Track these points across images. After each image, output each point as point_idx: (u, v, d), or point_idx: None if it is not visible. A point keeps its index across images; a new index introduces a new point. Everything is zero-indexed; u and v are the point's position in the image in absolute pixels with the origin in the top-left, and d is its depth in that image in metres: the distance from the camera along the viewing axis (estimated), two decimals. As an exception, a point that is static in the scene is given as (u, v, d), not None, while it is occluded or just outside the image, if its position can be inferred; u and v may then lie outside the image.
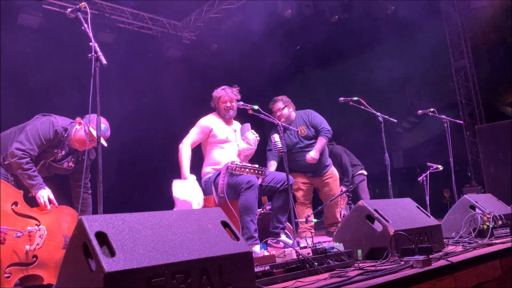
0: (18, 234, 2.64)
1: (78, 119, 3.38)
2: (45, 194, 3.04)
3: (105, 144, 2.80)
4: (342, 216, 5.20)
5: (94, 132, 3.06)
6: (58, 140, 3.25)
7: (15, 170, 3.09)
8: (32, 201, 2.96)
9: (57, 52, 7.95)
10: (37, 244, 2.76)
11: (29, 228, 2.74)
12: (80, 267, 1.60)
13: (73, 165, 3.44)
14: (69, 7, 2.80)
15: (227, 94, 3.98)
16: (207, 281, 1.74)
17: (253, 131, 3.95)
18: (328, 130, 4.81)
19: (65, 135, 3.29)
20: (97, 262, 1.52)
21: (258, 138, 3.94)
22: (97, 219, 1.67)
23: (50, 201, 3.03)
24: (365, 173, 6.34)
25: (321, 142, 4.77)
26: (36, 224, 2.80)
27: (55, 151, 3.29)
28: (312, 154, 4.66)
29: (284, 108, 4.80)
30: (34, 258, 2.74)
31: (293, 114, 4.90)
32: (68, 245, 1.73)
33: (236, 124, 4.14)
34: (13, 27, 7.17)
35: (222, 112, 4.00)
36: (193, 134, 3.90)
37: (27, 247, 2.70)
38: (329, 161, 5.06)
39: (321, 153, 4.83)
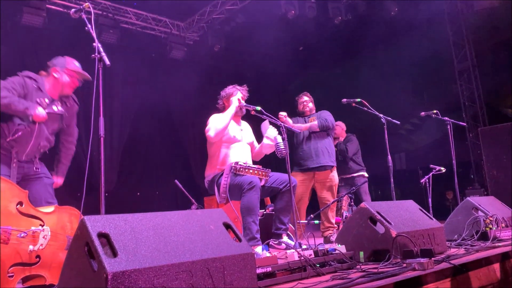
0: (22, 235, 2.65)
1: (43, 72, 3.47)
2: (41, 110, 3.19)
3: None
4: (344, 218, 5.20)
5: (77, 65, 3.39)
6: (32, 87, 3.29)
7: (5, 111, 3.13)
8: (36, 202, 2.97)
9: (61, 52, 7.97)
10: (41, 245, 2.76)
11: (33, 228, 2.74)
12: (82, 268, 1.61)
13: (63, 110, 3.47)
14: (72, 7, 2.81)
15: (239, 91, 3.98)
16: (209, 282, 1.75)
17: (271, 126, 3.93)
18: (325, 119, 5.05)
19: (36, 83, 3.33)
20: (99, 263, 1.53)
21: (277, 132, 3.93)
22: (99, 220, 1.68)
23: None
24: (366, 175, 6.33)
25: (311, 123, 5.07)
26: (40, 225, 2.80)
27: (38, 100, 3.29)
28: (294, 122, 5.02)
29: (310, 102, 5.31)
30: (37, 258, 2.75)
31: (314, 110, 5.33)
32: (70, 245, 1.74)
33: (244, 124, 4.12)
34: (17, 27, 7.20)
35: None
36: (216, 122, 3.80)
37: (31, 247, 2.71)
38: (333, 161, 5.10)
39: (325, 148, 5.00)
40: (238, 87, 4.01)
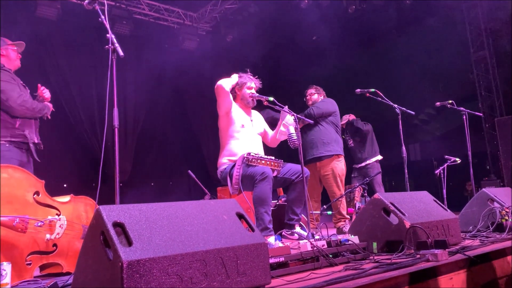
0: (39, 224, 2.70)
1: None
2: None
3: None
4: (357, 209, 5.18)
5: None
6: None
7: (31, 116, 3.53)
8: (53, 191, 3.02)
9: (75, 43, 8.05)
10: (57, 234, 2.82)
11: (49, 217, 2.80)
12: (98, 256, 1.64)
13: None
14: (87, -2, 2.82)
15: (253, 81, 3.96)
16: (223, 271, 1.76)
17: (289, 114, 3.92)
18: (311, 108, 5.00)
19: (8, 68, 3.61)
20: (114, 252, 1.55)
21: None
22: (114, 209, 1.70)
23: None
24: (381, 157, 6.29)
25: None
26: (57, 214, 2.85)
27: (22, 84, 3.67)
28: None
29: (315, 94, 5.27)
30: (54, 247, 2.80)
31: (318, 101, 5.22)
32: (86, 234, 1.77)
33: (255, 114, 4.10)
34: (31, 19, 7.26)
35: (245, 98, 3.93)
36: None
37: (48, 236, 2.76)
38: (331, 151, 4.99)
39: (319, 139, 4.95)
40: (251, 76, 4.00)
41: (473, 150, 4.96)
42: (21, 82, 3.69)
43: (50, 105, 3.74)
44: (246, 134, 3.85)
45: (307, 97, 5.29)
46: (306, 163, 4.94)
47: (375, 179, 6.00)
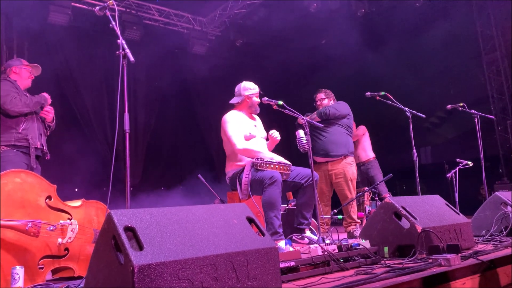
0: (51, 228, 2.73)
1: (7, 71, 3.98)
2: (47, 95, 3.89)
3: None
4: (367, 213, 5.14)
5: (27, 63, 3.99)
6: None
7: (29, 110, 3.72)
8: (64, 196, 3.05)
9: (86, 49, 8.14)
10: (69, 238, 2.84)
11: (61, 221, 2.82)
12: (109, 260, 1.65)
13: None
14: (97, 5, 2.86)
15: (259, 89, 3.97)
16: (233, 275, 1.76)
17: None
18: (325, 107, 5.06)
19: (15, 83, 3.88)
20: (125, 256, 1.56)
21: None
22: (125, 214, 1.71)
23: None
24: (372, 155, 6.27)
25: (312, 116, 5.08)
26: (68, 218, 2.88)
27: (27, 95, 3.89)
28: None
29: (325, 99, 5.27)
30: (66, 251, 2.82)
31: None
32: (97, 239, 1.78)
33: (258, 119, 4.11)
34: (44, 25, 7.36)
35: (254, 106, 3.94)
36: (236, 130, 3.78)
37: (60, 240, 2.79)
38: (342, 152, 4.96)
39: (331, 140, 4.94)
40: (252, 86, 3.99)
41: (485, 153, 4.91)
42: (25, 92, 3.88)
43: (46, 95, 3.91)
44: (251, 140, 3.84)
45: (317, 102, 5.26)
46: (316, 164, 4.93)
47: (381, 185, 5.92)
